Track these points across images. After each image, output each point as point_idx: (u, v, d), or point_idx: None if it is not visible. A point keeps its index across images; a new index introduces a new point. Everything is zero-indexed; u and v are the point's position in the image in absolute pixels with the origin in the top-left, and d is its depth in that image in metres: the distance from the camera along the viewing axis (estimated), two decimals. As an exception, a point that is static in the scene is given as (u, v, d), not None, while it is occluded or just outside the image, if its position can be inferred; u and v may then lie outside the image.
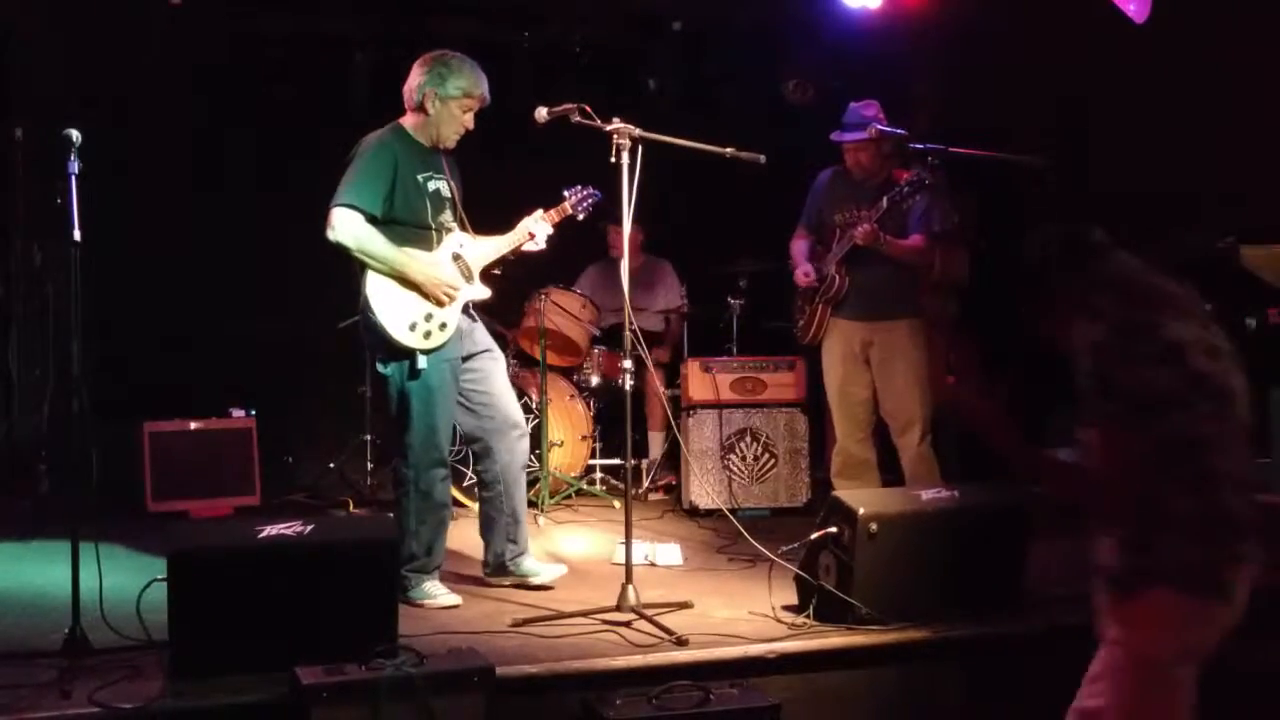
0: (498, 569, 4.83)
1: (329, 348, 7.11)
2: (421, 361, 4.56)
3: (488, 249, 4.84)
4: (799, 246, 6.00)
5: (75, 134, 3.88)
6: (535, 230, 4.89)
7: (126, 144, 6.58)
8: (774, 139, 6.23)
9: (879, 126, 5.65)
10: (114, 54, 6.77)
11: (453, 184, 4.76)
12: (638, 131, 4.44)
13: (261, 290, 7.21)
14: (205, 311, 7.09)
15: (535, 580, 4.77)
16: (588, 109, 4.55)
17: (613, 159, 4.43)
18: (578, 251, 6.67)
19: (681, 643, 3.97)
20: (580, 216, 5.06)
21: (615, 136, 4.43)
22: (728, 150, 4.63)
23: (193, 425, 6.43)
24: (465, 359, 4.73)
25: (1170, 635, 2.70)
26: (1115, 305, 2.75)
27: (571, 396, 6.97)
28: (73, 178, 3.85)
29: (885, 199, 5.50)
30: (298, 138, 7.27)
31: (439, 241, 4.69)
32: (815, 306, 5.84)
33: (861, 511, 4.11)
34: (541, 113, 4.58)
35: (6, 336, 6.27)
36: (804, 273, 5.87)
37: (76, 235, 3.85)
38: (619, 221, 4.57)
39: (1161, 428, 2.64)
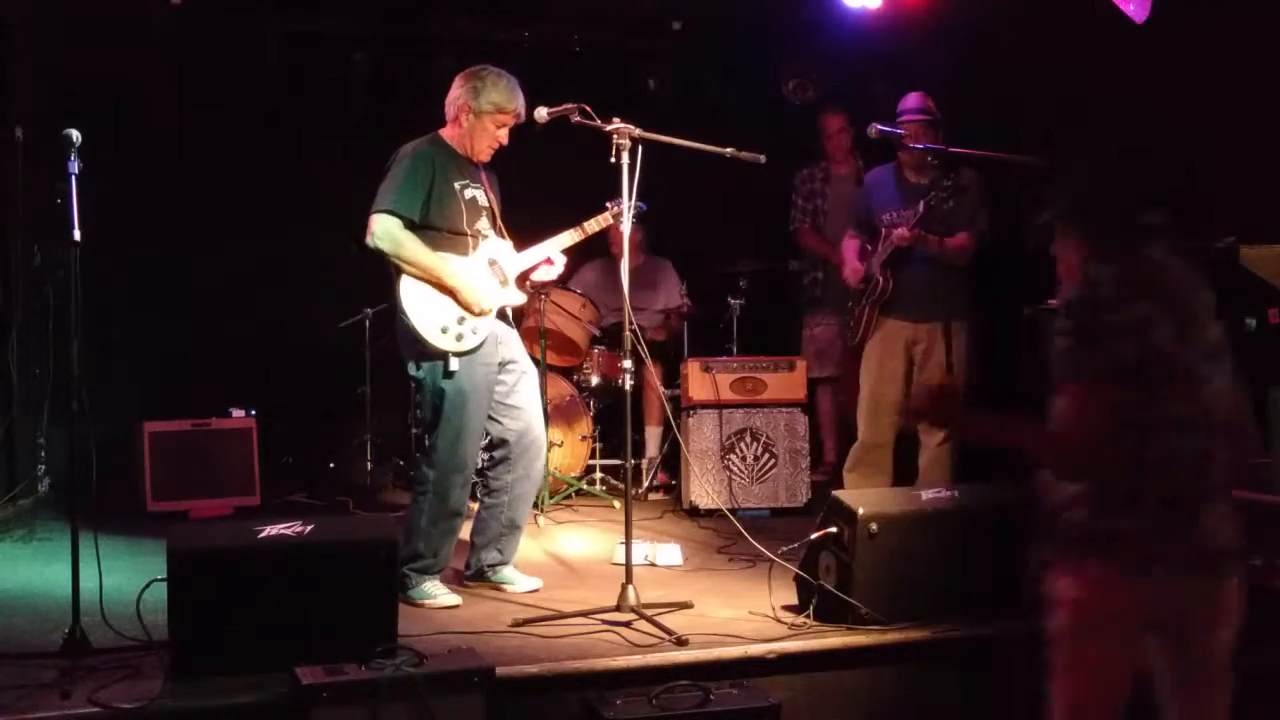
0: (477, 574, 4.85)
1: (329, 348, 7.12)
2: (454, 364, 4.59)
3: (524, 256, 4.90)
4: (850, 246, 6.03)
5: (75, 134, 3.88)
6: (554, 258, 4.97)
7: (126, 144, 6.58)
8: (774, 139, 6.24)
9: (879, 126, 5.65)
10: (113, 54, 6.77)
11: (490, 193, 4.82)
12: (638, 131, 4.44)
13: (261, 290, 7.21)
14: (205, 311, 7.09)
15: (510, 589, 4.79)
16: (588, 109, 4.57)
17: (613, 159, 4.44)
18: (576, 250, 6.65)
19: (681, 643, 3.98)
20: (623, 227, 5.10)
21: (615, 136, 4.44)
22: (728, 150, 4.64)
23: (193, 425, 6.43)
24: (500, 365, 4.76)
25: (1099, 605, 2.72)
26: (1107, 270, 2.79)
27: (571, 396, 6.97)
28: (73, 178, 3.86)
29: (923, 202, 5.51)
30: (297, 138, 7.28)
31: (474, 248, 4.73)
32: (862, 308, 5.84)
33: (861, 511, 4.11)
34: (541, 113, 4.59)
35: (6, 336, 6.26)
36: (851, 270, 5.90)
37: (76, 235, 3.85)
38: (619, 223, 4.58)
39: (1117, 395, 2.66)
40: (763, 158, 4.64)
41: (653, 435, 7.27)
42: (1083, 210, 2.97)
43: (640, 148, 4.45)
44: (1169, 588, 2.71)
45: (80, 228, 3.85)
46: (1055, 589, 2.76)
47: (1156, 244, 2.89)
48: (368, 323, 7.00)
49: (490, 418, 4.77)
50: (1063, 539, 2.77)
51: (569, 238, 4.97)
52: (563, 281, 6.75)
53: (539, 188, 6.01)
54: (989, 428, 3.03)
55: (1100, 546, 2.70)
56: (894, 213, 5.73)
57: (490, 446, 4.85)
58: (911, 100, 5.79)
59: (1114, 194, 3.00)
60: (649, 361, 6.01)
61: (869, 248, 5.91)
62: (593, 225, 5.01)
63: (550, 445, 6.59)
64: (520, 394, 4.82)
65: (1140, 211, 2.93)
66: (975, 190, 5.63)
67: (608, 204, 5.07)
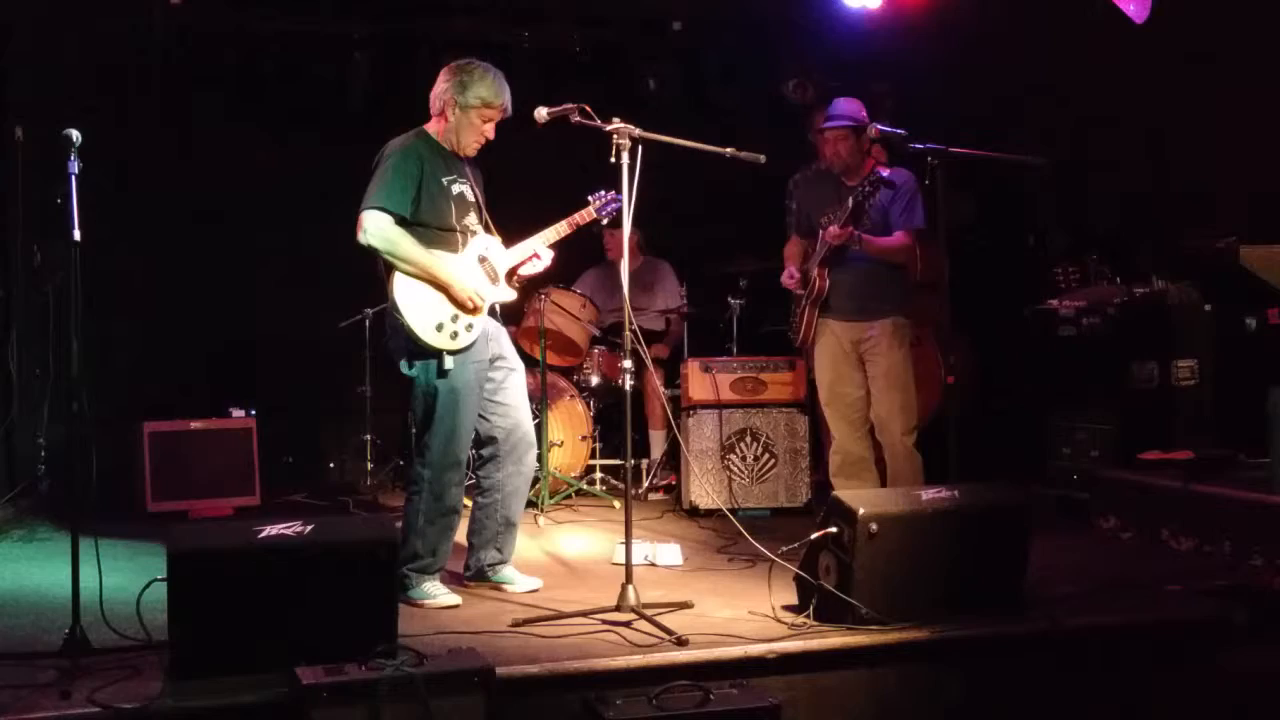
0: (477, 574, 4.85)
1: (329, 348, 7.12)
2: (448, 362, 4.58)
3: (513, 252, 4.89)
4: (790, 250, 6.06)
5: (75, 134, 3.87)
6: (541, 253, 4.95)
7: (126, 144, 6.58)
8: (773, 139, 6.23)
9: (879, 126, 5.65)
10: (114, 53, 6.78)
11: (476, 189, 4.81)
12: (638, 131, 4.44)
13: (261, 290, 7.21)
14: (205, 311, 7.09)
15: (510, 589, 4.79)
16: (588, 109, 4.56)
17: (613, 159, 4.43)
18: (578, 253, 6.66)
19: (681, 643, 3.97)
20: (604, 221, 5.10)
21: (615, 136, 4.43)
22: (728, 150, 4.63)
23: (193, 425, 6.43)
24: (490, 361, 4.76)
25: None
26: None
27: (571, 396, 6.97)
28: (73, 178, 3.85)
29: (850, 199, 5.52)
30: (297, 137, 7.28)
31: (464, 244, 4.73)
32: (803, 309, 5.87)
33: (861, 511, 4.11)
34: (541, 113, 4.58)
35: (6, 336, 6.27)
36: (788, 275, 5.92)
37: (76, 235, 3.84)
38: (616, 224, 4.57)
39: None
40: (763, 158, 4.63)
41: (656, 439, 7.28)
42: None
43: (640, 148, 4.45)
44: None
45: (80, 228, 3.85)
46: None
47: None
48: (368, 323, 7.00)
49: (479, 415, 4.76)
50: None
51: (554, 233, 4.95)
52: (559, 281, 6.78)
53: (527, 185, 6.00)
54: None
55: None
56: (830, 213, 5.73)
57: (479, 444, 4.84)
58: (836, 105, 5.78)
59: None
60: (650, 366, 6.02)
61: (810, 250, 5.92)
62: (577, 219, 5.00)
63: (550, 445, 6.59)
64: (508, 391, 4.82)
65: None
66: (909, 189, 5.63)
67: (590, 198, 5.08)
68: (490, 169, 4.93)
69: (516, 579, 4.82)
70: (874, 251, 5.60)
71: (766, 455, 6.57)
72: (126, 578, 4.22)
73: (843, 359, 5.78)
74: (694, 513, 6.43)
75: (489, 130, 4.72)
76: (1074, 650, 4.18)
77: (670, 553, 5.36)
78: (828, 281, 5.72)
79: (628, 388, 4.51)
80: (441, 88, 4.69)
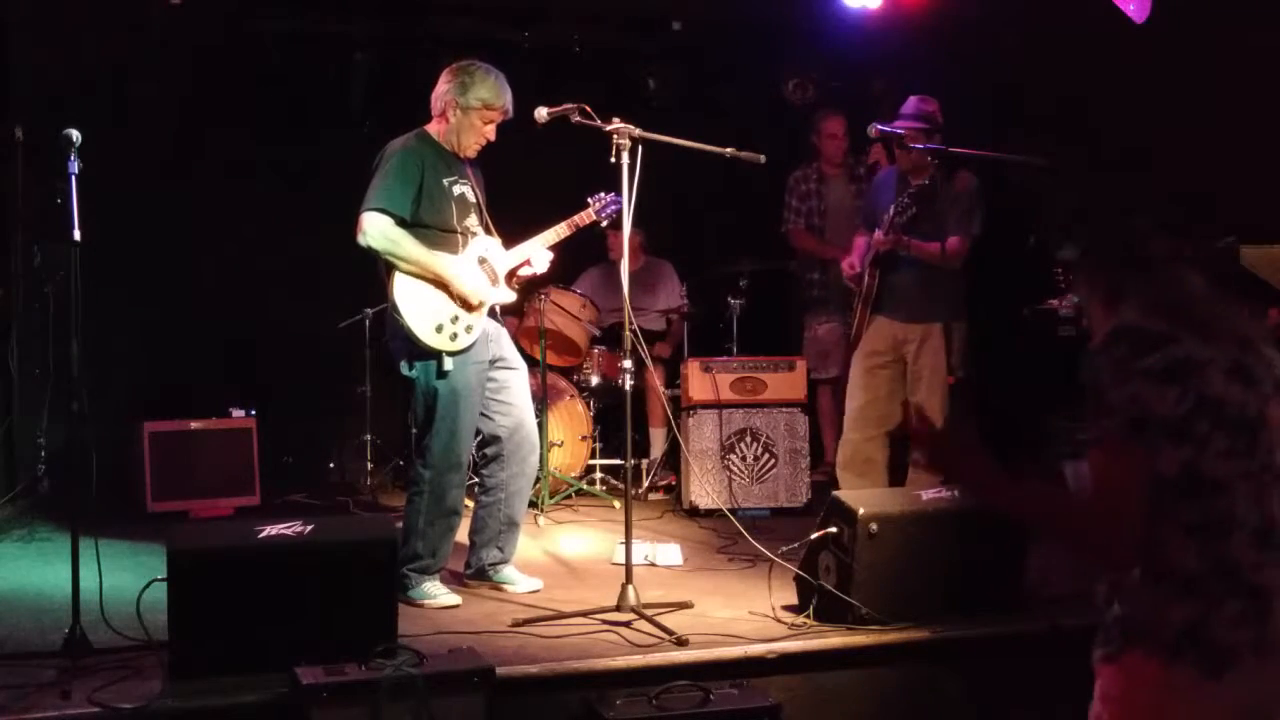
0: (478, 573, 4.85)
1: (329, 348, 7.12)
2: (448, 363, 4.58)
3: (512, 254, 4.89)
4: (858, 243, 6.04)
5: (75, 134, 3.88)
6: (540, 255, 4.95)
7: (126, 144, 6.58)
8: (774, 139, 6.24)
9: (878, 125, 5.65)
10: (114, 53, 6.77)
11: (477, 190, 4.81)
12: (638, 131, 4.44)
13: (262, 290, 7.20)
14: (205, 311, 7.09)
15: (510, 589, 4.79)
16: (588, 109, 4.56)
17: (613, 159, 4.44)
18: (578, 253, 6.66)
19: (681, 643, 3.98)
20: (604, 224, 5.10)
21: (615, 136, 4.43)
22: (728, 150, 4.63)
23: (193, 425, 6.43)
24: (491, 362, 4.76)
25: (1144, 712, 2.27)
26: (1135, 311, 2.36)
27: (571, 396, 6.97)
28: (73, 178, 3.86)
29: (892, 206, 5.52)
30: (298, 137, 7.28)
31: (464, 245, 4.73)
32: (857, 306, 5.89)
33: (861, 511, 4.11)
34: (541, 113, 4.58)
35: (7, 336, 6.26)
36: (847, 265, 5.94)
37: (76, 235, 3.85)
38: (618, 226, 4.58)
39: (1159, 456, 2.22)
40: (762, 158, 4.64)
41: (656, 437, 7.27)
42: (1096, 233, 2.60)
43: (640, 148, 4.45)
44: (1255, 685, 2.22)
45: (80, 228, 3.85)
46: (1110, 691, 2.31)
47: (1178, 269, 2.46)
48: (368, 323, 7.00)
49: (482, 414, 4.76)
50: (1112, 634, 2.33)
51: (554, 234, 4.95)
52: (560, 281, 6.77)
53: (527, 185, 6.00)
54: (998, 491, 2.57)
55: (1161, 642, 2.23)
56: (887, 212, 5.74)
57: (482, 444, 4.85)
58: (908, 104, 5.78)
59: (1122, 210, 2.66)
60: (650, 364, 6.02)
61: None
62: (577, 221, 5.00)
63: (550, 445, 6.59)
64: (511, 390, 4.82)
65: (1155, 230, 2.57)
66: (968, 194, 5.63)
67: (589, 199, 5.08)
68: (490, 169, 4.93)
69: (517, 579, 4.82)
70: (920, 256, 5.59)
71: (766, 455, 6.57)
72: (126, 578, 4.22)
73: (880, 357, 5.77)
74: (694, 513, 6.43)
75: (490, 132, 4.73)
76: (1074, 650, 4.17)
77: (670, 553, 5.36)
78: (877, 281, 5.74)
79: (628, 388, 4.52)
80: (443, 89, 4.69)
